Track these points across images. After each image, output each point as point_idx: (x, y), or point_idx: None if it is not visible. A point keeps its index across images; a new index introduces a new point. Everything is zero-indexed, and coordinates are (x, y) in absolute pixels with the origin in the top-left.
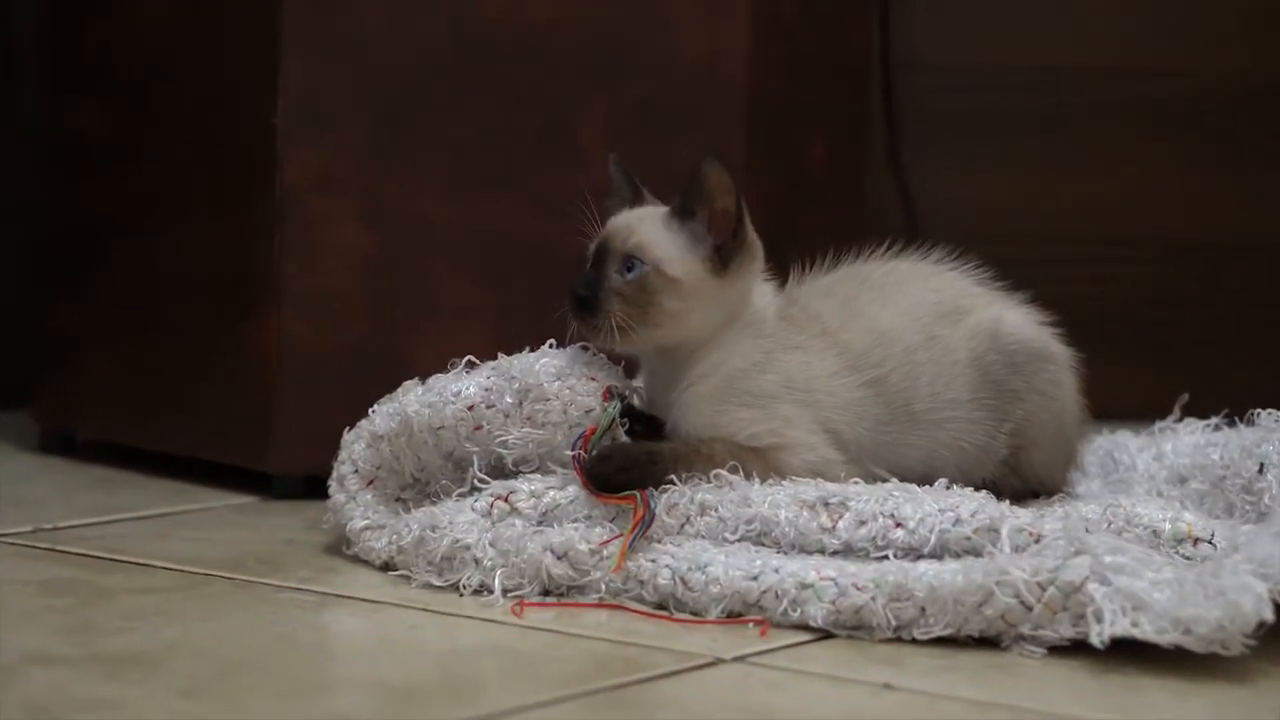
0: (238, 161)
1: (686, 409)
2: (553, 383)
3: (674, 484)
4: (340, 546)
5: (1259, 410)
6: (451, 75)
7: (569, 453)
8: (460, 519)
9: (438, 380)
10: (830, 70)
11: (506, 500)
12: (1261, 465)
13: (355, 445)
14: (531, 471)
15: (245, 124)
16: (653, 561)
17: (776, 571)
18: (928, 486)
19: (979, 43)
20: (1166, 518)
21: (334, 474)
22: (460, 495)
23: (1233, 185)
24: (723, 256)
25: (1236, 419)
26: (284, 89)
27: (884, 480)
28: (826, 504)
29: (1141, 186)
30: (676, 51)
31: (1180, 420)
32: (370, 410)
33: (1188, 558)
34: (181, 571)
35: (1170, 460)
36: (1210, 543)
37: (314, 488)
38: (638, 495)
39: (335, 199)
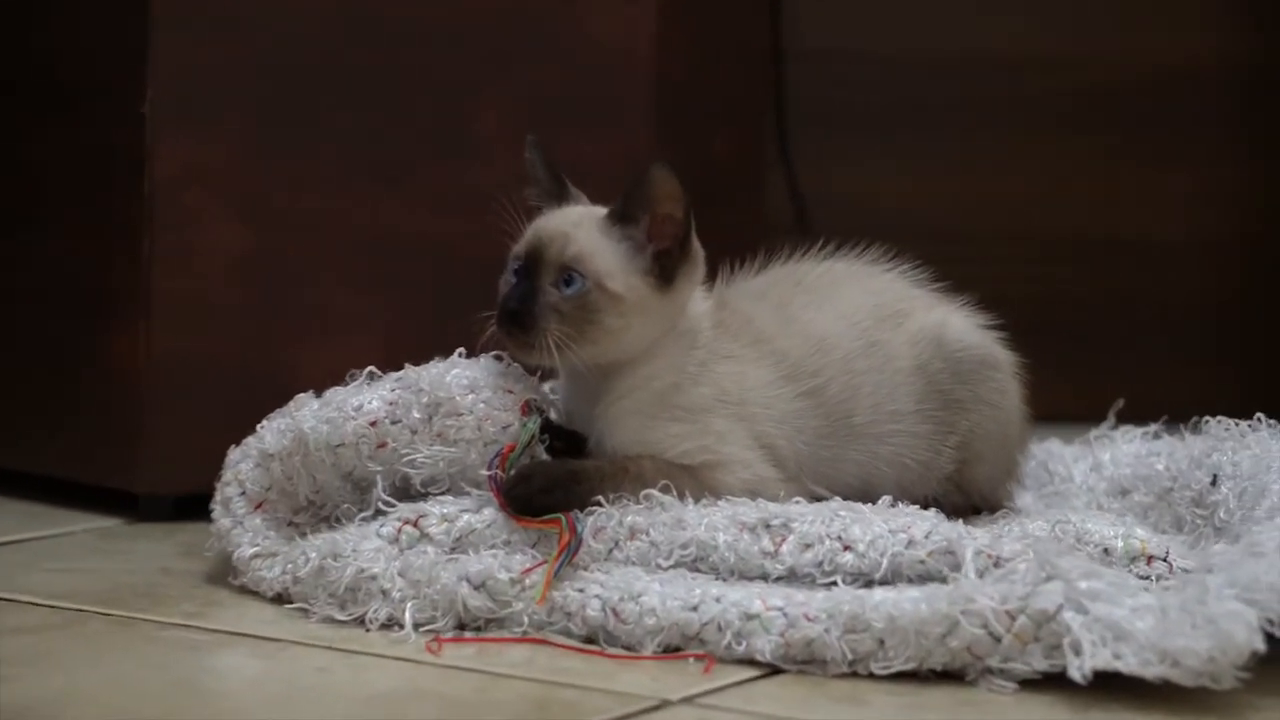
0: (103, 155)
1: (612, 424)
2: (466, 396)
3: (601, 505)
4: (224, 576)
5: (1207, 417)
6: (338, 58)
7: (484, 472)
8: (365, 546)
9: (336, 394)
10: (735, 58)
11: (416, 525)
12: (1215, 477)
13: (242, 465)
14: (441, 493)
15: (111, 114)
16: (580, 591)
17: (718, 601)
18: (873, 505)
19: (873, 31)
20: (1118, 534)
21: (217, 496)
22: (363, 519)
23: (1137, 180)
24: (665, 267)
25: (1180, 426)
26: (154, 74)
27: (823, 498)
28: (768, 526)
29: (1041, 182)
30: (582, 35)
31: (1115, 427)
32: (258, 426)
33: (1143, 577)
34: (53, 607)
35: (1109, 471)
36: (1165, 560)
37: (185, 510)
38: (562, 519)
39: (210, 195)
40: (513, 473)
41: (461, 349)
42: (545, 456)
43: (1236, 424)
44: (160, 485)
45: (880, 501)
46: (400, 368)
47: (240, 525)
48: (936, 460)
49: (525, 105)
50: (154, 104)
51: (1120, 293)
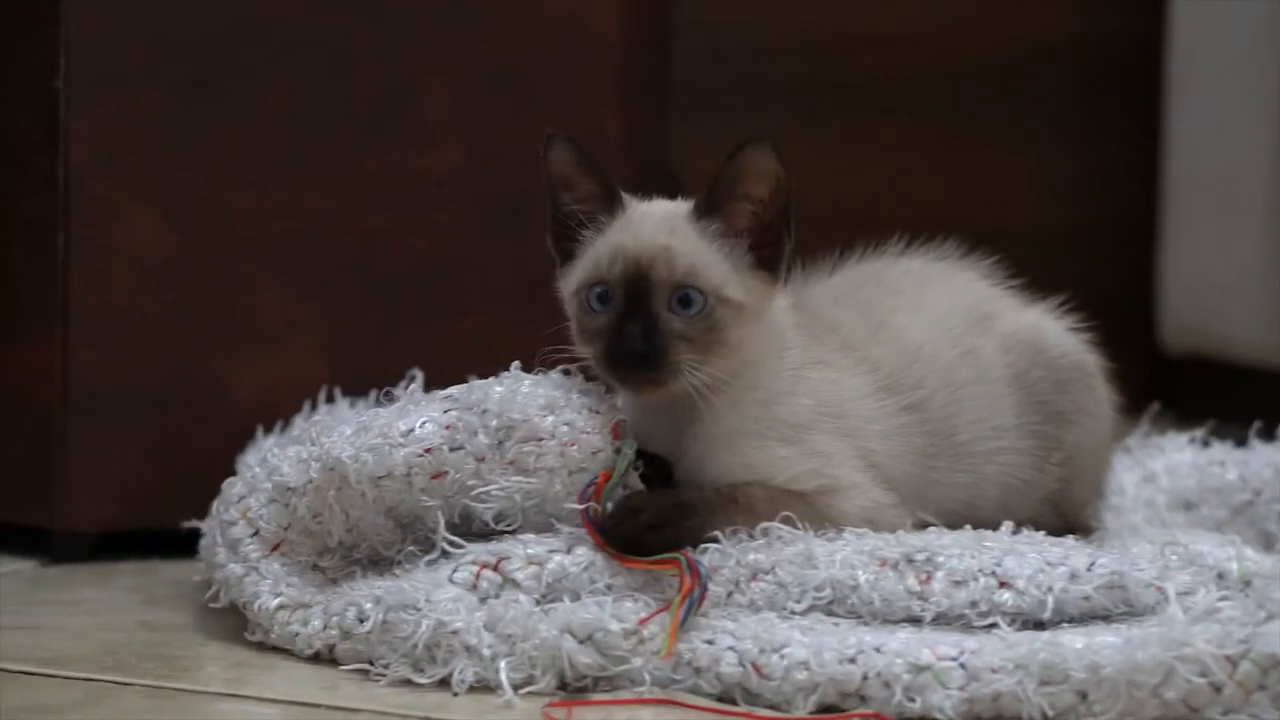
0: (7, 139)
1: (713, 448)
2: (545, 417)
3: (716, 541)
4: (226, 629)
5: None
6: (269, 30)
7: (575, 506)
8: (440, 596)
9: (375, 417)
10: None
11: (497, 569)
12: None
13: (250, 501)
14: (511, 530)
15: (18, 90)
16: (710, 643)
17: (879, 651)
18: (1012, 533)
19: (711, 4)
20: (1230, 556)
21: (216, 538)
22: (430, 563)
23: (980, 163)
24: (767, 258)
25: (1249, 432)
26: (68, 44)
27: (931, 527)
28: (911, 561)
29: (881, 164)
30: (538, 5)
31: (1163, 435)
32: (262, 455)
33: None
34: (58, 677)
35: (1166, 482)
36: None
37: (108, 547)
38: (681, 559)
39: (130, 186)
40: (609, 506)
41: (517, 361)
42: (640, 486)
43: None
44: (79, 520)
45: (1003, 529)
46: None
47: (255, 571)
48: (1040, 479)
49: (475, 84)
50: (68, 78)
51: None
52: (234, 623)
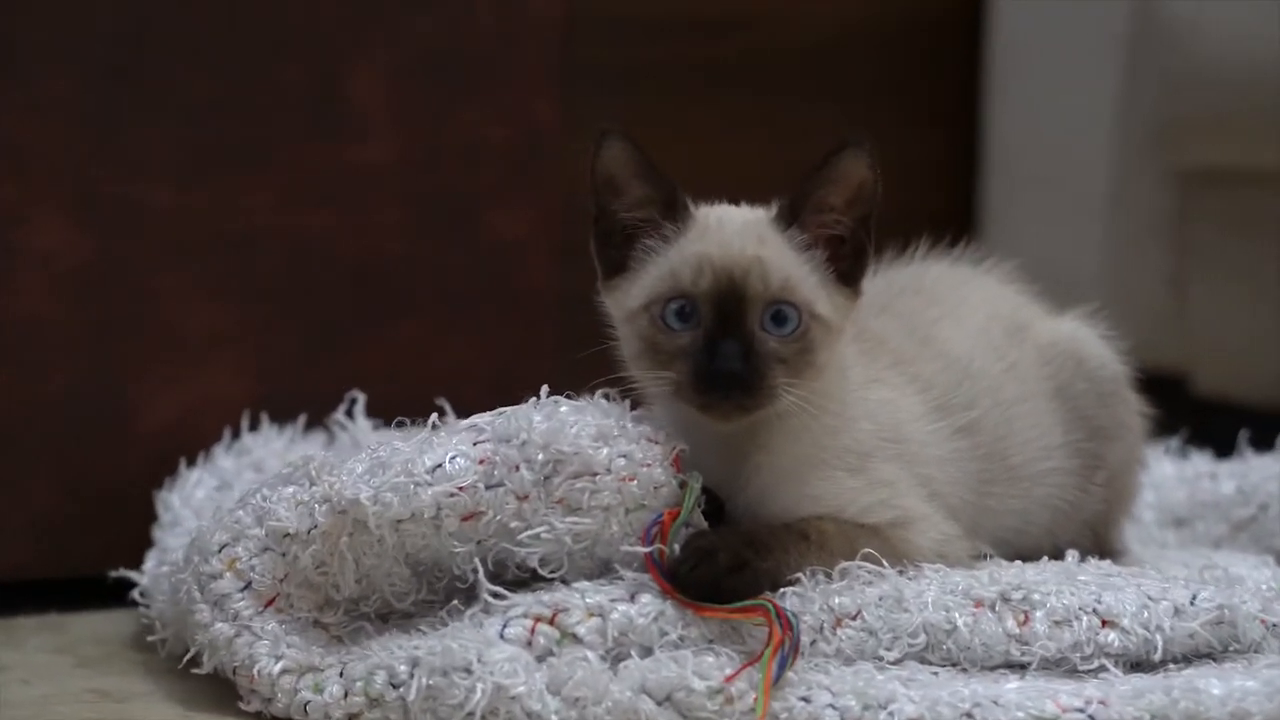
0: None
1: (777, 480)
2: (598, 450)
3: (792, 584)
4: (203, 695)
5: None
6: (191, 12)
7: (639, 549)
8: (493, 655)
9: (391, 452)
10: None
11: (553, 622)
12: None
13: (237, 549)
14: (556, 576)
15: None
16: (806, 700)
17: (997, 704)
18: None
19: None
20: (1267, 579)
21: (194, 594)
22: (474, 617)
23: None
24: (849, 271)
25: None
26: None
27: (988, 557)
28: (1008, 600)
29: (722, 149)
30: None
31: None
32: (253, 497)
33: None
34: None
35: (1151, 497)
36: None
37: (18, 598)
38: (768, 606)
39: (35, 186)
40: (676, 547)
41: (544, 385)
42: (704, 524)
43: None
44: None
45: (1069, 557)
46: (277, 400)
47: (248, 631)
48: (1084, 501)
49: (408, 69)
50: None
51: None
52: (211, 688)
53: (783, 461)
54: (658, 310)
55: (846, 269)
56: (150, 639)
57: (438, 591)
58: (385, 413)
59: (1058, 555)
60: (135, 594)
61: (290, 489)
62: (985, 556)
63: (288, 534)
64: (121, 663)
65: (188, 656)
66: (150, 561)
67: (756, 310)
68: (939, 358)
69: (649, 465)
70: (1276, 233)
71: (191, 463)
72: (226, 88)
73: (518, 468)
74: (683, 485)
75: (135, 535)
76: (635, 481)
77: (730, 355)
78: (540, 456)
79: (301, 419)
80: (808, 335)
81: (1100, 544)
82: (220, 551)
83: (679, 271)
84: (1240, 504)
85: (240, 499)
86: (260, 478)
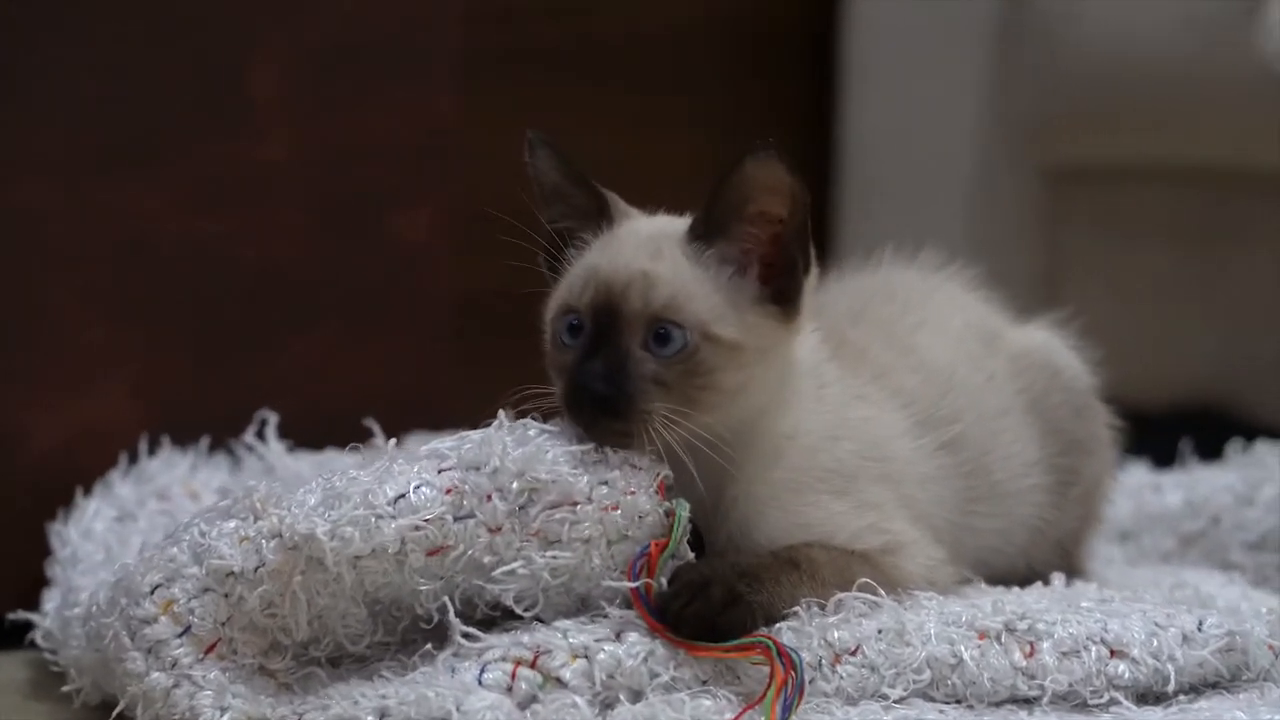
0: None
1: (759, 508)
2: (578, 476)
3: (790, 618)
4: None
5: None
6: (70, 2)
7: (624, 583)
8: (473, 704)
9: (350, 481)
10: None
11: (535, 665)
12: None
13: (174, 590)
14: (529, 612)
15: None
16: None
17: None
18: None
19: None
20: (1238, 595)
21: (122, 640)
22: (451, 661)
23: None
24: (782, 288)
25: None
26: None
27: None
28: (1012, 630)
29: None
30: None
31: None
32: (188, 532)
33: None
34: None
35: None
36: None
37: None
38: (769, 644)
39: None
40: (664, 581)
41: (500, 409)
42: (691, 556)
43: None
44: None
45: (1055, 582)
46: (172, 423)
47: (188, 680)
48: (1060, 519)
49: (308, 62)
50: None
51: None
52: None
53: (763, 489)
54: (557, 324)
55: (780, 287)
56: (65, 689)
57: (396, 633)
58: (294, 432)
59: (1031, 577)
60: (36, 637)
61: (232, 523)
62: (968, 581)
63: (231, 573)
64: (20, 713)
65: (117, 711)
66: (52, 601)
67: (635, 328)
68: (920, 369)
69: (633, 493)
70: (1149, 230)
71: (87, 491)
72: (114, 83)
73: (489, 497)
74: (669, 514)
75: (24, 571)
76: (619, 511)
77: (593, 374)
78: (515, 485)
79: (205, 441)
80: (696, 357)
81: (1069, 563)
82: (153, 593)
83: (572, 284)
84: (1189, 517)
85: (171, 535)
86: (166, 506)
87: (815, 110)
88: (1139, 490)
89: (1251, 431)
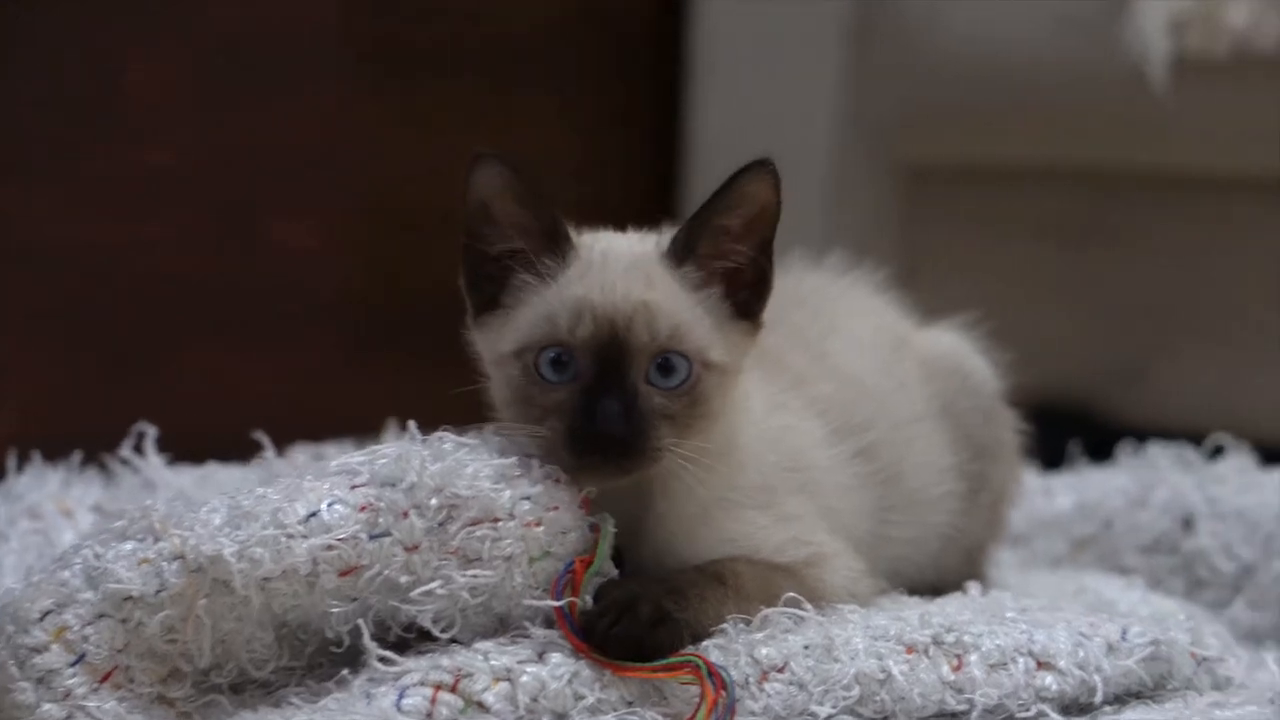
0: None
1: (685, 525)
2: (500, 492)
3: (722, 633)
4: None
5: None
6: None
7: (548, 602)
8: None
9: (258, 499)
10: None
11: (456, 690)
12: (1188, 520)
13: (67, 616)
14: (446, 633)
15: None
16: None
17: None
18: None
19: None
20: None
21: (10, 670)
22: (368, 687)
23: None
24: (746, 302)
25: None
26: None
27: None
28: (940, 643)
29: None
30: None
31: None
32: (79, 555)
33: None
34: None
35: None
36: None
37: None
38: (698, 662)
39: None
40: (589, 599)
41: (413, 421)
42: (615, 572)
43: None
44: None
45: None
46: (49, 438)
47: (82, 711)
48: (970, 526)
49: (193, 63)
50: None
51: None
52: None
53: (691, 506)
54: (531, 358)
55: (745, 300)
56: None
57: (302, 657)
58: (175, 446)
59: (939, 586)
60: None
61: (130, 545)
62: (885, 592)
63: (130, 597)
64: None
65: None
66: None
67: (642, 362)
68: (834, 375)
69: (556, 508)
70: (1013, 229)
71: None
72: None
73: (406, 514)
74: (593, 529)
75: None
76: (541, 527)
77: (612, 416)
78: (434, 501)
79: (76, 456)
80: (698, 387)
81: (975, 571)
82: (43, 619)
83: (556, 316)
84: (1080, 520)
85: (60, 558)
86: (39, 525)
87: (670, 110)
88: (1029, 494)
89: (1113, 432)
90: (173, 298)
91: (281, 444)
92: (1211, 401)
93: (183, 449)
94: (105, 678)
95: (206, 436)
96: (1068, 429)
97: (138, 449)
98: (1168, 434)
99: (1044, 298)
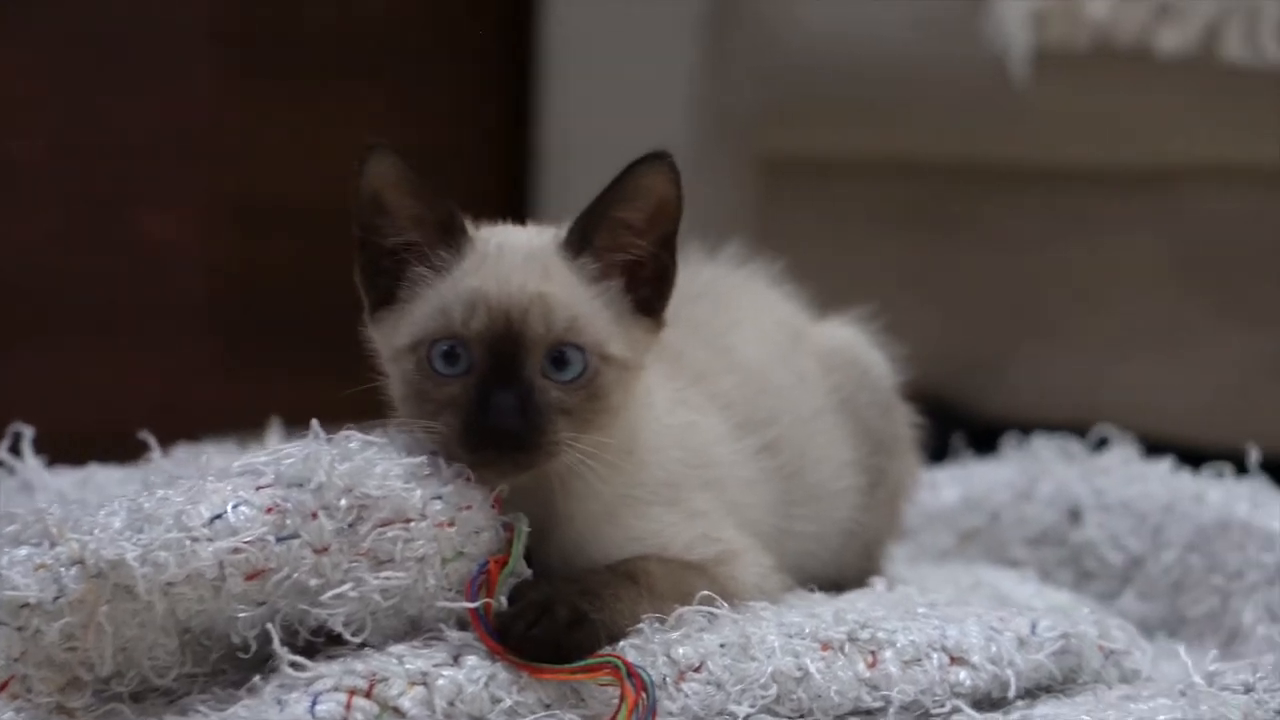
0: None
1: (592, 524)
2: (411, 491)
3: (638, 633)
4: None
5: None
6: None
7: (462, 604)
8: None
9: (159, 501)
10: None
11: (370, 695)
12: (1075, 512)
13: None
14: (357, 636)
15: None
16: None
17: None
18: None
19: None
20: (1033, 593)
21: None
22: (280, 692)
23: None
24: (648, 297)
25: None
26: None
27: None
28: (855, 640)
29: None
30: None
31: None
32: None
33: None
34: None
35: None
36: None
37: None
38: (617, 663)
39: None
40: (504, 599)
41: (315, 420)
42: (529, 573)
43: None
44: None
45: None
46: None
47: None
48: (869, 520)
49: (66, 55)
50: None
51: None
52: None
53: (596, 505)
54: (424, 352)
55: (647, 297)
56: None
57: (206, 663)
58: (43, 447)
59: (840, 581)
60: None
61: (24, 550)
62: (791, 588)
63: (26, 604)
64: None
65: None
66: None
67: (537, 354)
68: (735, 370)
69: (468, 507)
70: (868, 220)
71: None
72: None
73: (315, 515)
74: (506, 529)
75: None
76: (454, 527)
77: (506, 409)
78: (343, 502)
79: None
80: (596, 380)
81: (873, 566)
82: None
83: (450, 309)
84: (967, 513)
85: None
86: None
87: (520, 103)
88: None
89: (974, 424)
90: (37, 293)
91: (160, 444)
92: (1076, 395)
93: (56, 450)
94: (2, 688)
95: (77, 436)
96: (949, 422)
97: (13, 450)
98: (1027, 427)
99: (905, 291)
